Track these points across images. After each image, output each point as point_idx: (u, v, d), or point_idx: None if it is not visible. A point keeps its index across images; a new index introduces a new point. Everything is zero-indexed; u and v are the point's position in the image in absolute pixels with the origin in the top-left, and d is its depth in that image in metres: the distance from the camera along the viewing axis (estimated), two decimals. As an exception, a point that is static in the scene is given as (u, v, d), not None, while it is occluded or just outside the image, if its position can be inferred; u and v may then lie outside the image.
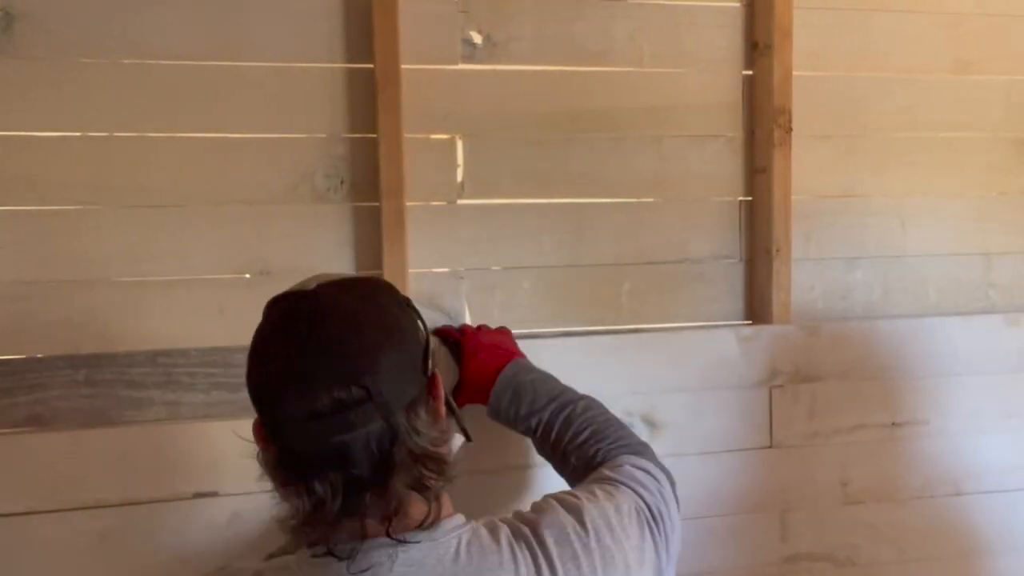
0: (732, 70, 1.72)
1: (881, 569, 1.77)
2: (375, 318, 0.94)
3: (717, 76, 1.72)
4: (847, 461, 1.74)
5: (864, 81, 1.78)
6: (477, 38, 1.61)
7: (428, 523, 0.94)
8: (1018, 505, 1.82)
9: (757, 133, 1.72)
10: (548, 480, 1.40)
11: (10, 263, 1.46)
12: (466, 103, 1.61)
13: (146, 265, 1.51)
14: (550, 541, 0.97)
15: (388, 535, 0.91)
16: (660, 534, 1.08)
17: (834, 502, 1.74)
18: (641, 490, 1.11)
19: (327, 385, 0.88)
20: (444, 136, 1.61)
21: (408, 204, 1.54)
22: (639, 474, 1.14)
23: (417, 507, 0.94)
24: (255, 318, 1.56)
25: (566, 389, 1.37)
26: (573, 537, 0.99)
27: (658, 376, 1.64)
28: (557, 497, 1.06)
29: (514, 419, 1.36)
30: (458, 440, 1.04)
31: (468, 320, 1.62)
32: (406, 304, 1.01)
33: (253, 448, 1.47)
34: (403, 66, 1.52)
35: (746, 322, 1.75)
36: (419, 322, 1.00)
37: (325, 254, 1.57)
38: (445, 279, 1.62)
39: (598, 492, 1.07)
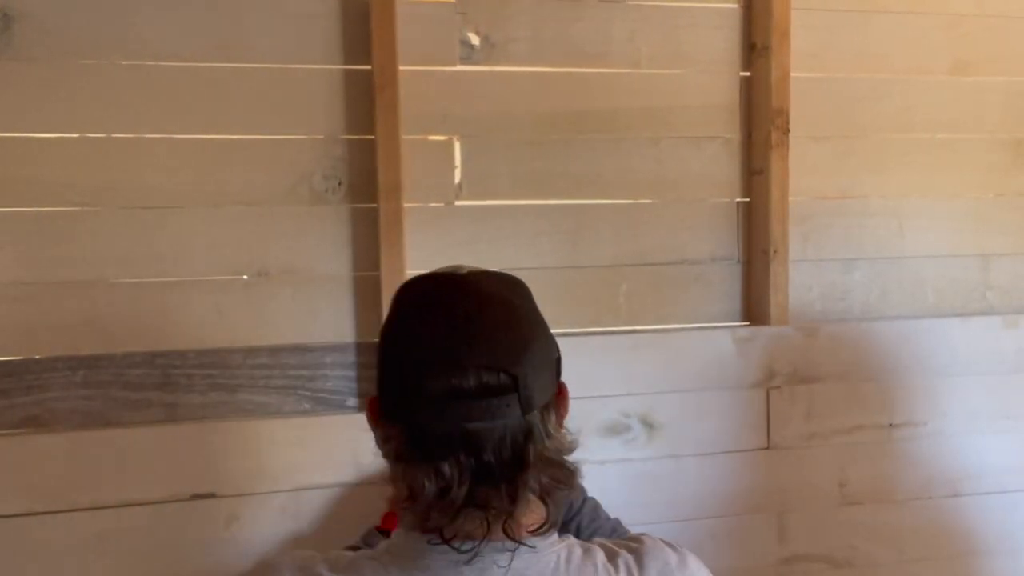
0: (730, 71, 1.73)
1: (879, 570, 1.77)
2: (525, 312, 0.94)
3: (715, 77, 1.72)
4: (845, 462, 1.74)
5: (862, 82, 1.78)
6: (475, 39, 1.61)
7: (542, 529, 0.91)
8: (1016, 506, 1.82)
9: (755, 134, 1.72)
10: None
11: (8, 264, 1.46)
12: (464, 104, 1.61)
13: (144, 266, 1.51)
14: (652, 572, 0.95)
15: (506, 534, 0.88)
16: None
17: (832, 503, 1.74)
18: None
19: (476, 367, 0.86)
20: (442, 137, 1.61)
21: (406, 205, 1.54)
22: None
23: (537, 511, 0.91)
24: (253, 319, 1.57)
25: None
26: (676, 574, 0.96)
27: (656, 377, 1.65)
28: (656, 537, 1.02)
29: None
30: None
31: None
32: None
33: (252, 450, 1.50)
34: (401, 67, 1.52)
35: (744, 323, 1.75)
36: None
37: (323, 255, 1.57)
38: (443, 280, 1.62)
39: (685, 550, 1.03)
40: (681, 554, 1.00)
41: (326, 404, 1.57)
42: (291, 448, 1.51)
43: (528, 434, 0.87)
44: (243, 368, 1.54)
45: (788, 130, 1.68)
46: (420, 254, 1.58)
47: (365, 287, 1.56)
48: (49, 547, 1.43)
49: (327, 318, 1.57)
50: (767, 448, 1.71)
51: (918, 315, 1.82)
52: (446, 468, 0.85)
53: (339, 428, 1.52)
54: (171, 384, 1.52)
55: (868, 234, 1.80)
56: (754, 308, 1.74)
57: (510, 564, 0.89)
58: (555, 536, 0.94)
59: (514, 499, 0.87)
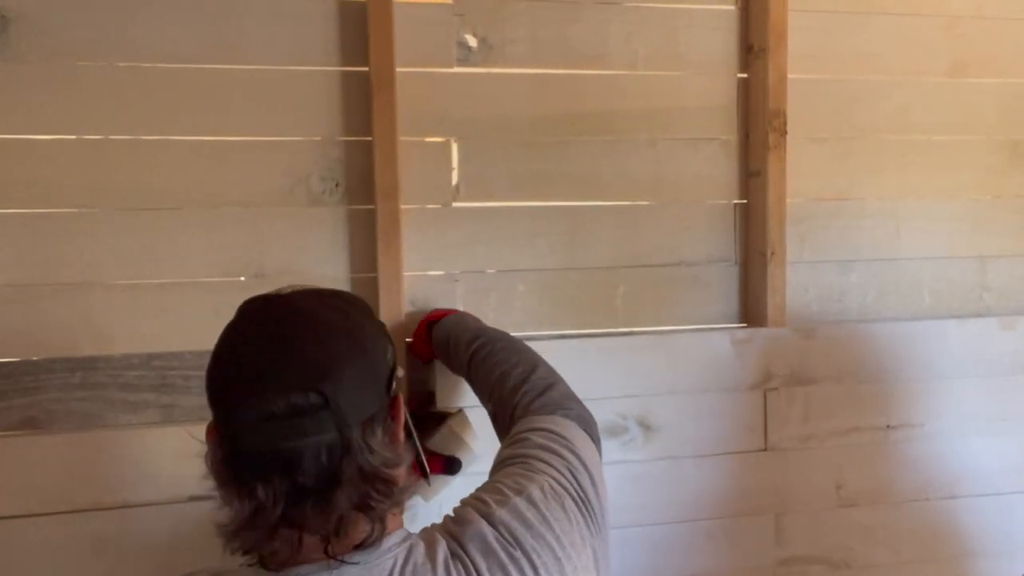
0: (727, 73, 1.73)
1: (876, 571, 1.77)
2: (343, 328, 0.92)
3: (712, 79, 1.72)
4: (842, 464, 1.74)
5: (859, 84, 1.78)
6: (472, 41, 1.61)
7: (368, 543, 0.90)
8: (1012, 508, 1.82)
9: (752, 136, 1.72)
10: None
11: (5, 266, 1.46)
12: (461, 106, 1.61)
13: (141, 268, 1.51)
14: (477, 556, 0.94)
15: (327, 553, 0.88)
16: (584, 504, 1.03)
17: (829, 505, 1.74)
18: (553, 464, 1.05)
19: (285, 388, 0.85)
20: (439, 139, 1.61)
21: (403, 207, 1.55)
22: (547, 442, 1.08)
23: (359, 526, 0.90)
24: (250, 321, 1.56)
25: (485, 328, 1.40)
26: (496, 546, 0.94)
27: (653, 379, 1.65)
28: (472, 505, 1.00)
29: (454, 361, 1.39)
30: (421, 482, 0.99)
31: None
32: (380, 325, 0.99)
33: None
34: (398, 69, 1.52)
35: (741, 325, 1.76)
36: (389, 345, 0.97)
37: (320, 257, 1.57)
38: (440, 282, 1.63)
39: (505, 490, 1.00)
40: (492, 518, 0.97)
41: (323, 406, 1.57)
42: (288, 450, 1.51)
43: (345, 450, 0.86)
44: (240, 370, 1.54)
45: (785, 132, 1.68)
46: (417, 256, 1.59)
47: (362, 289, 1.56)
48: (46, 549, 1.43)
49: (324, 320, 1.57)
50: (764, 450, 1.71)
51: (915, 317, 1.82)
52: (260, 489, 0.85)
53: (336, 430, 1.52)
54: (168, 386, 1.52)
55: (865, 235, 1.81)
56: (751, 310, 1.74)
57: None
58: (398, 537, 0.93)
59: (327, 517, 0.86)
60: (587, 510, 1.03)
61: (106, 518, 1.45)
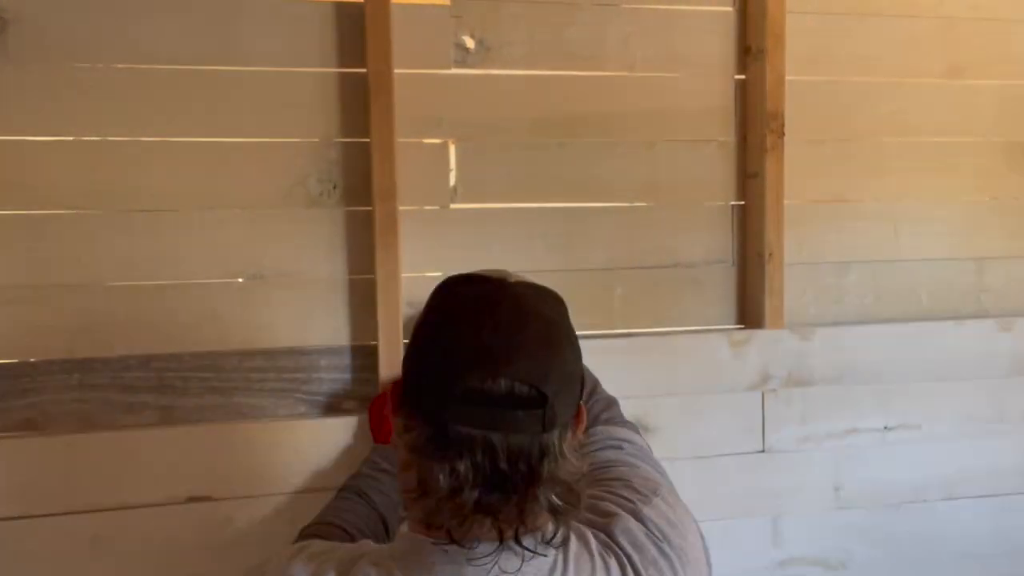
0: (725, 75, 1.73)
1: (874, 573, 1.77)
2: (564, 330, 0.94)
3: (710, 81, 1.72)
4: (839, 465, 1.74)
5: (857, 86, 1.78)
6: (470, 43, 1.61)
7: (554, 539, 0.91)
8: (1010, 509, 1.82)
9: (750, 138, 1.72)
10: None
11: (4, 267, 1.46)
12: (459, 108, 1.61)
13: (139, 269, 1.51)
14: (629, 548, 0.96)
15: (518, 543, 0.88)
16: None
17: (827, 506, 1.74)
18: (659, 470, 1.13)
19: (512, 374, 0.86)
20: (437, 141, 1.61)
21: (401, 208, 1.54)
22: (639, 452, 1.15)
23: (539, 523, 0.91)
24: (248, 322, 1.57)
25: None
26: (647, 542, 0.98)
27: (651, 380, 1.65)
28: (610, 499, 1.03)
29: None
30: None
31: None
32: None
33: (247, 453, 1.50)
34: (396, 71, 1.52)
35: (738, 326, 1.76)
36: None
37: (318, 258, 1.57)
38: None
39: (642, 488, 1.04)
40: (639, 515, 1.00)
41: (321, 407, 1.58)
42: (286, 451, 1.51)
43: (544, 451, 0.87)
44: (238, 371, 1.54)
45: (783, 133, 1.68)
46: (415, 257, 1.59)
47: (360, 290, 1.57)
48: (45, 550, 1.43)
49: (322, 321, 1.57)
50: (762, 451, 1.71)
51: (912, 318, 1.82)
52: (461, 467, 0.84)
53: (334, 431, 1.53)
54: (167, 387, 1.52)
55: (862, 237, 1.81)
56: (749, 311, 1.75)
57: (519, 570, 0.90)
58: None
59: (523, 511, 0.87)
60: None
61: (104, 519, 1.45)
